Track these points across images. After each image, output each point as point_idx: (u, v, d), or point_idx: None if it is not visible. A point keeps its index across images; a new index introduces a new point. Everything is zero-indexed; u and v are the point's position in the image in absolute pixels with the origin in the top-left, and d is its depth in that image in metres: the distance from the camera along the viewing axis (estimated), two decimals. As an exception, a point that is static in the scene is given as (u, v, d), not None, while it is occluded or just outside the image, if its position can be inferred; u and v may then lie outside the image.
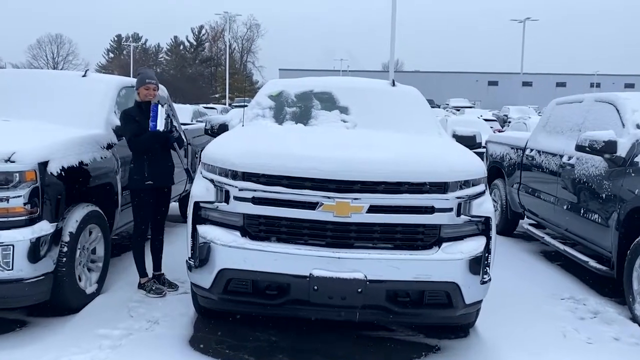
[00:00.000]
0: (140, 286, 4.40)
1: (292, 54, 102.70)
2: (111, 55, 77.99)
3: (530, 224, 6.60)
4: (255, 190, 3.22)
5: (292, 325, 3.82)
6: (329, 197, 3.14)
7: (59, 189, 3.75)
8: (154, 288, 4.35)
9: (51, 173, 3.67)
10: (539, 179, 6.10)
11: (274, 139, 3.76)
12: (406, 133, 4.16)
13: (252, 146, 3.50)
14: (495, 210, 7.17)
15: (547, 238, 5.97)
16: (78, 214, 3.95)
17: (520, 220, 7.02)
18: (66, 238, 3.78)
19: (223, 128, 4.59)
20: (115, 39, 78.57)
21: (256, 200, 3.23)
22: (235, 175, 3.29)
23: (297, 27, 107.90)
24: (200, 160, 3.72)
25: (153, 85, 4.35)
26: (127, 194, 4.79)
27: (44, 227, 3.58)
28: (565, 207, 5.40)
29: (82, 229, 3.97)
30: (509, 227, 7.12)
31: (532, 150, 6.38)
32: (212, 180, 3.41)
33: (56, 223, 3.69)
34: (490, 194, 7.26)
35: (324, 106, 4.63)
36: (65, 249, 3.76)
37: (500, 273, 4.70)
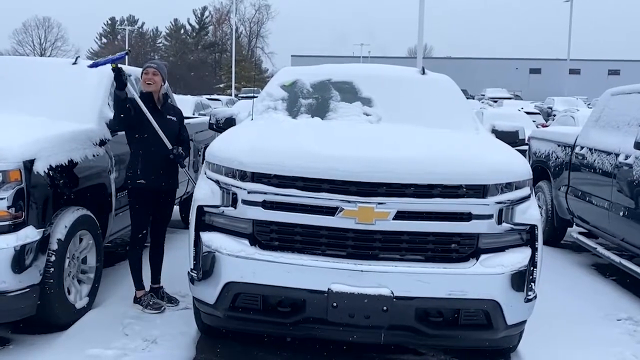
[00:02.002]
0: (136, 300, 4.41)
1: (306, 39, 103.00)
2: (104, 40, 78.96)
3: (580, 233, 6.51)
4: (266, 193, 3.21)
5: (308, 347, 3.80)
6: (350, 202, 3.12)
7: (47, 191, 3.78)
8: (151, 303, 4.37)
9: (38, 173, 3.69)
10: (590, 180, 6.01)
11: (287, 135, 3.75)
12: (438, 128, 4.12)
13: (263, 143, 3.49)
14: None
15: (600, 249, 5.88)
16: (67, 218, 3.97)
17: (569, 229, 6.93)
18: (54, 246, 3.80)
19: (230, 122, 4.60)
20: (109, 22, 79.53)
21: (267, 205, 3.22)
22: (243, 176, 3.29)
23: (312, 9, 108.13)
24: (203, 159, 3.72)
25: (152, 69, 4.31)
26: (122, 197, 4.82)
27: (30, 234, 3.60)
28: (621, 213, 5.31)
29: (72, 235, 3.99)
30: (555, 236, 7.04)
31: (582, 147, 6.29)
32: (217, 182, 3.41)
33: (43, 229, 3.72)
34: (534, 198, 7.25)
35: (344, 97, 4.61)
36: (53, 258, 3.78)
37: (546, 289, 4.63)
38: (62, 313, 3.92)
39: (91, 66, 4.58)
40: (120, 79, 4.16)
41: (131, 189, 4.35)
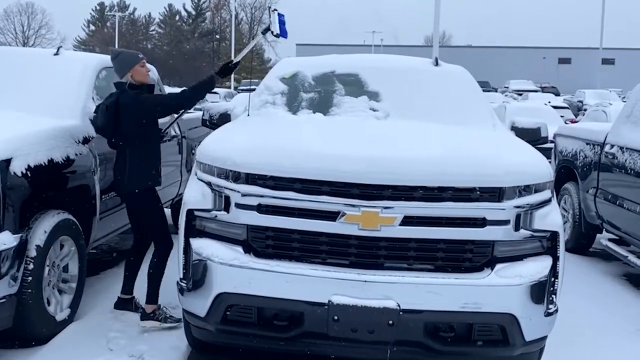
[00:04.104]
0: (148, 317, 4.30)
1: (313, 26, 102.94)
2: (92, 27, 79.34)
3: (610, 240, 6.48)
4: (261, 196, 3.23)
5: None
6: (353, 206, 3.13)
7: (24, 193, 3.81)
8: (168, 315, 4.33)
9: (14, 173, 3.72)
10: (621, 182, 5.98)
11: (285, 132, 3.77)
12: (451, 125, 4.12)
13: (259, 141, 3.51)
14: (566, 222, 7.07)
15: (632, 257, 5.85)
16: (47, 223, 4.00)
17: (598, 235, 6.90)
18: (32, 253, 3.83)
19: (224, 118, 4.63)
20: (97, 7, 79.87)
21: (263, 209, 3.23)
22: (237, 177, 3.30)
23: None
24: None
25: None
26: (107, 199, 4.86)
27: (6, 239, 3.63)
28: (655, 218, 5.28)
29: (52, 241, 4.02)
30: (583, 243, 7.01)
31: (613, 146, 6.26)
32: (209, 184, 3.43)
33: (20, 234, 3.74)
34: (560, 201, 7.24)
35: (349, 91, 4.62)
36: (31, 266, 3.81)
37: (571, 301, 4.63)
38: (41, 325, 3.94)
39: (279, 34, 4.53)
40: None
41: (151, 190, 4.33)
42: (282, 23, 4.52)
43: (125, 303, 4.50)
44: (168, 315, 4.33)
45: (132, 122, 4.18)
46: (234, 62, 4.56)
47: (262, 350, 3.57)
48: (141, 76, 4.31)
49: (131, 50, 4.56)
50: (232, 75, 46.99)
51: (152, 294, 4.31)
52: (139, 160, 4.22)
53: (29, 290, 3.80)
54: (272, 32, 4.50)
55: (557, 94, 35.54)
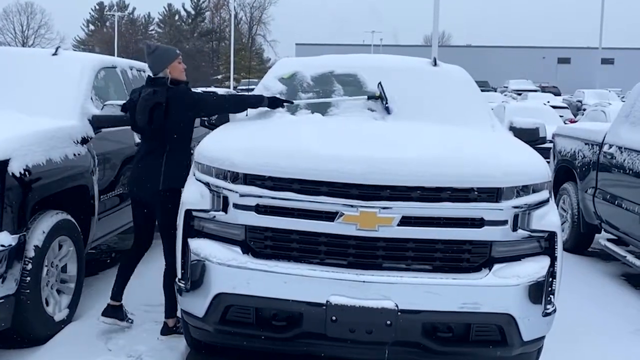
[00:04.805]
0: (170, 330, 4.16)
1: (312, 26, 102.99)
2: (92, 27, 79.34)
3: (608, 240, 6.48)
4: (259, 197, 3.23)
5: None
6: (351, 206, 3.13)
7: (23, 194, 3.81)
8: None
9: (13, 174, 3.72)
10: (620, 182, 5.98)
11: (283, 133, 3.78)
12: (450, 125, 4.12)
13: (257, 141, 3.51)
14: (564, 222, 7.08)
15: (631, 257, 5.85)
16: (45, 223, 4.01)
17: (597, 235, 6.90)
18: (31, 253, 3.84)
19: (223, 118, 4.61)
20: (97, 7, 79.86)
21: (261, 209, 3.24)
22: (235, 177, 3.31)
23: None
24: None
25: None
26: (106, 199, 4.86)
27: (4, 240, 3.63)
28: (653, 218, 5.29)
29: (51, 241, 4.03)
30: (581, 243, 7.02)
31: (611, 146, 6.26)
32: (207, 184, 3.43)
33: (19, 235, 3.74)
34: (558, 201, 7.25)
35: (348, 91, 4.63)
36: (29, 267, 3.81)
37: (569, 301, 4.64)
38: (39, 326, 3.95)
39: None
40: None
41: (180, 191, 4.01)
42: None
43: (115, 311, 4.22)
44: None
45: (181, 118, 4.01)
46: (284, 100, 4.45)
47: (261, 350, 3.57)
48: (178, 72, 4.14)
49: (168, 46, 4.42)
50: (232, 75, 47.22)
51: (173, 307, 4.11)
52: (180, 158, 4.05)
53: (28, 291, 3.80)
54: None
55: (558, 94, 35.45)
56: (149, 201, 4.09)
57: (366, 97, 4.49)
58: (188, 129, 4.13)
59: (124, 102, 4.42)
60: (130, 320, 4.30)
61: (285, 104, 4.41)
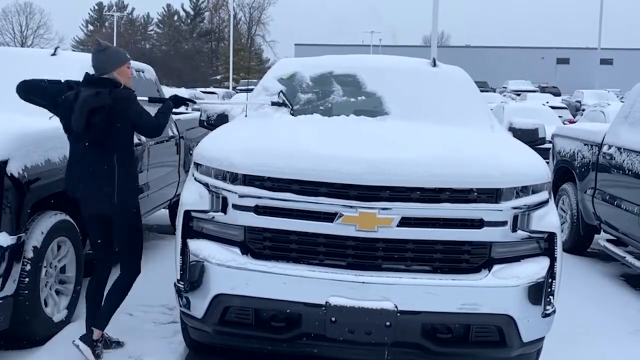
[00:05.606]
0: (89, 342, 3.71)
1: (312, 26, 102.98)
2: (90, 27, 79.28)
3: (608, 240, 6.48)
4: (259, 197, 3.23)
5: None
6: (350, 207, 3.13)
7: (21, 194, 3.80)
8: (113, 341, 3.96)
9: (11, 174, 3.72)
10: (619, 183, 5.99)
11: (283, 134, 3.77)
12: (449, 126, 4.12)
13: (256, 142, 3.51)
14: (564, 223, 7.07)
15: (630, 258, 5.85)
16: (44, 224, 4.00)
17: (596, 235, 6.90)
18: (29, 254, 3.83)
19: (222, 119, 4.63)
20: (96, 8, 79.90)
21: (260, 210, 3.23)
22: (234, 178, 3.30)
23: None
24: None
25: None
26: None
27: (3, 241, 3.62)
28: (653, 219, 5.29)
29: (49, 242, 4.02)
30: (580, 243, 7.02)
31: (610, 146, 6.26)
32: (206, 185, 3.43)
33: (17, 235, 3.74)
34: (558, 202, 7.25)
35: (347, 92, 4.63)
36: (28, 267, 3.80)
37: (568, 302, 4.63)
38: (38, 327, 3.94)
39: None
40: None
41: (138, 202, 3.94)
42: None
43: (92, 341, 3.74)
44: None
45: (127, 122, 3.63)
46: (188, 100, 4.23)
47: (260, 351, 3.57)
48: (126, 78, 3.81)
49: (119, 48, 4.19)
50: (231, 76, 47.23)
51: (105, 319, 3.80)
52: (130, 167, 3.74)
53: (26, 292, 3.79)
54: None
55: (558, 94, 35.46)
56: (106, 214, 3.73)
57: (270, 102, 4.45)
58: (132, 134, 3.78)
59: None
60: (120, 344, 4.00)
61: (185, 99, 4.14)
